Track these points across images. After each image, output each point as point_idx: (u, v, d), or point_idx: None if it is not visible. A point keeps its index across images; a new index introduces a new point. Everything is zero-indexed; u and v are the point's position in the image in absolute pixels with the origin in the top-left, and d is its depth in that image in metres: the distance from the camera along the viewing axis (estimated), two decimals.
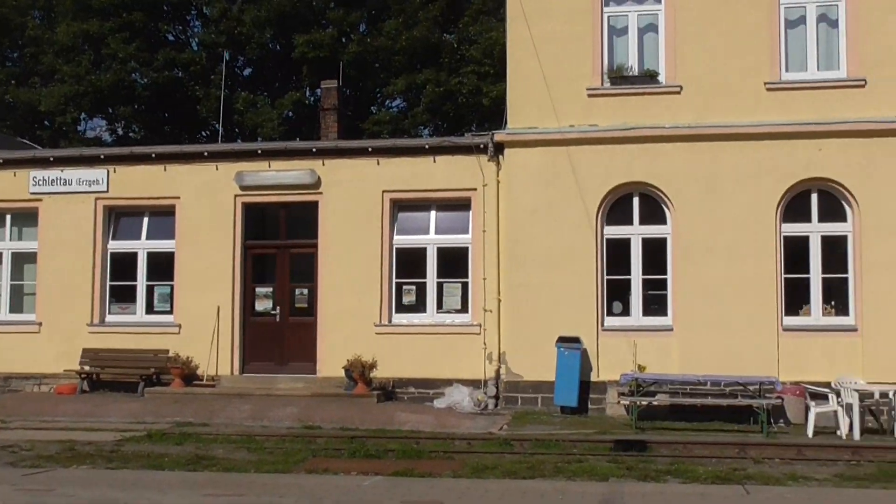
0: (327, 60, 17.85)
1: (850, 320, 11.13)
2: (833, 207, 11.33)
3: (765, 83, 11.28)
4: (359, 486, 6.50)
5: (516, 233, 11.40)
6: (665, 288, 11.41)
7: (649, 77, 11.48)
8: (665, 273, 11.39)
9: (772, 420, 10.46)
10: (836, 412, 10.31)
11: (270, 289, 11.84)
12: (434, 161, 11.58)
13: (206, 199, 11.71)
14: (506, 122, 11.74)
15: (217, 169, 11.74)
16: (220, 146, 13.01)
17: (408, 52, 18.23)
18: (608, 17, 11.64)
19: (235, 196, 11.79)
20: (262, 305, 11.86)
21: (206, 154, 11.89)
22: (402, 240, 11.85)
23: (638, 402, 10.40)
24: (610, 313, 11.50)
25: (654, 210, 11.53)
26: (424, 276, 11.68)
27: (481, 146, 11.55)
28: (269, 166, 11.75)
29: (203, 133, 21.22)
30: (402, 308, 11.77)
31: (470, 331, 11.54)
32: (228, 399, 11.08)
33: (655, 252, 11.48)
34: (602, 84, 11.49)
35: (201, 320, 11.59)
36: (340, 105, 13.31)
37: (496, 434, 9.81)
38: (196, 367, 11.43)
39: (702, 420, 10.74)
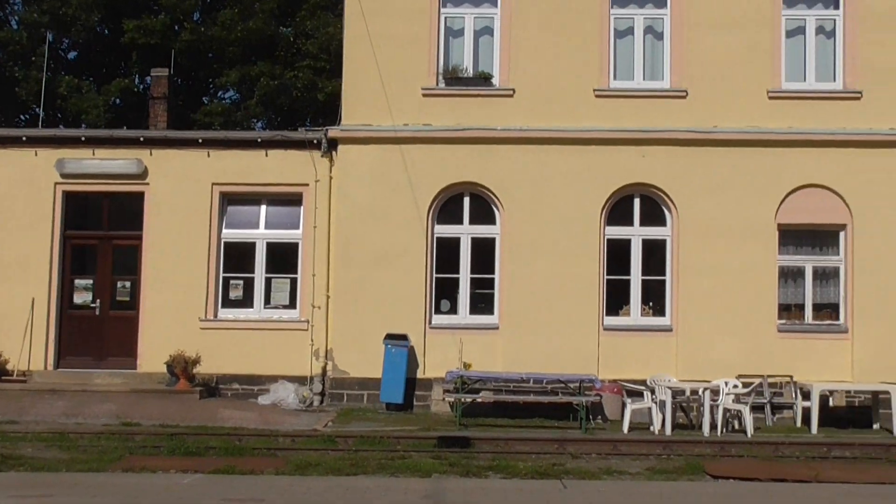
0: (158, 48, 17.78)
1: (667, 321, 11.88)
2: (654, 212, 12.10)
3: (594, 90, 11.96)
4: (177, 484, 6.48)
5: (347, 230, 11.68)
6: (493, 287, 11.85)
7: (483, 79, 11.98)
8: (493, 272, 11.84)
9: (590, 416, 11.08)
10: (650, 409, 10.99)
11: (90, 281, 11.74)
12: (266, 155, 11.78)
13: (22, 187, 11.57)
14: (340, 119, 12.05)
15: (36, 155, 11.60)
16: (40, 131, 12.82)
17: (243, 43, 18.40)
18: (445, 18, 12.12)
19: (56, 184, 11.68)
20: (80, 298, 11.76)
21: (24, 139, 11.74)
22: (231, 234, 11.99)
23: (462, 399, 10.82)
24: (438, 311, 11.94)
25: (484, 210, 12.04)
26: (253, 272, 11.78)
27: (315, 141, 11.81)
28: (94, 154, 11.70)
29: (22, 117, 20.68)
30: (228, 303, 11.89)
31: (297, 327, 11.75)
32: (40, 395, 10.93)
33: (484, 251, 11.99)
34: (437, 84, 11.95)
35: (14, 313, 11.38)
36: (171, 94, 13.37)
37: (321, 431, 10.05)
38: (6, 361, 11.20)
39: (524, 417, 11.31)
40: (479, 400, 11.32)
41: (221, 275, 11.85)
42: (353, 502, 5.87)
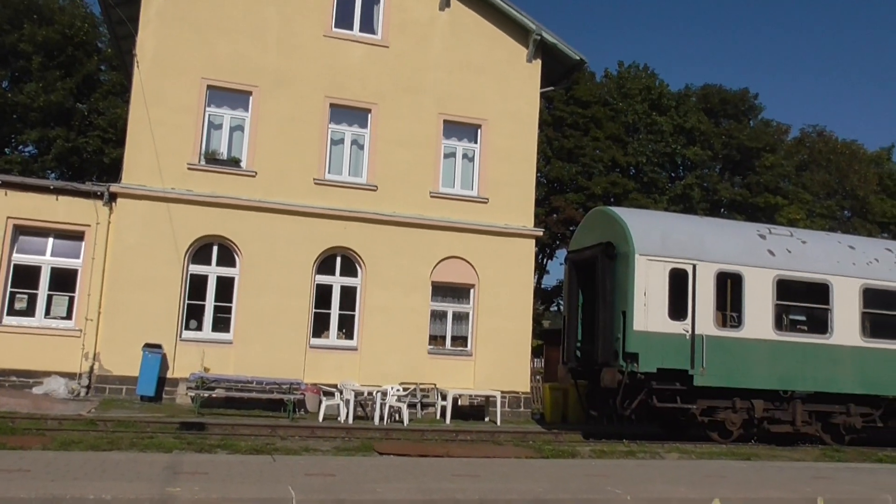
0: None
1: (354, 343, 18.34)
2: (350, 267, 18.65)
3: (314, 179, 18.33)
4: None
5: (119, 262, 16.67)
6: (230, 312, 17.37)
7: (234, 162, 17.89)
8: (231, 302, 17.37)
9: (296, 410, 16.67)
10: (339, 405, 16.79)
11: None
12: (57, 199, 16.37)
13: None
14: (121, 178, 17.05)
15: None
16: None
17: (44, 111, 22.80)
18: (209, 114, 17.83)
19: None
20: None
21: None
22: (22, 258, 16.22)
23: (201, 394, 15.93)
24: (188, 328, 17.16)
25: (228, 256, 17.71)
26: (37, 288, 16.12)
27: (98, 193, 16.76)
28: None
29: None
30: (14, 312, 15.98)
31: (72, 334, 16.39)
32: None
33: (226, 286, 17.52)
34: (199, 162, 17.55)
35: None
36: None
37: (84, 416, 13.17)
38: None
39: (248, 409, 16.55)
40: (214, 395, 16.51)
41: (9, 289, 16.00)
42: (107, 471, 6.68)
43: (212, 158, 17.83)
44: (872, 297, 15.27)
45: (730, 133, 40.62)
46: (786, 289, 14.87)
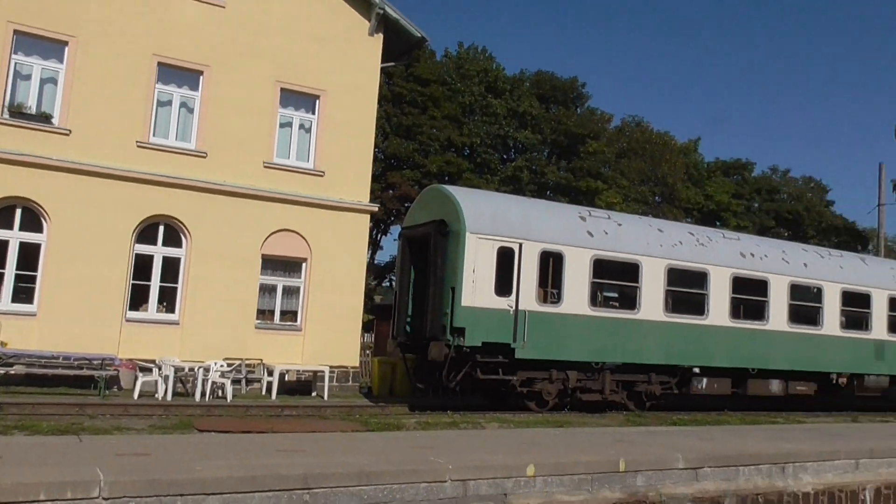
0: None
1: (175, 317, 17.46)
2: (174, 236, 17.65)
3: (137, 141, 17.12)
4: None
5: None
6: (35, 282, 15.93)
7: (44, 118, 16.35)
8: (36, 270, 15.94)
9: (109, 387, 15.63)
10: (157, 381, 15.98)
11: None
12: None
13: None
14: None
15: None
16: None
17: None
18: (15, 63, 16.11)
19: None
20: None
21: None
22: None
23: None
24: None
25: (34, 220, 16.14)
26: None
27: None
28: None
29: None
30: None
31: None
32: None
33: (31, 252, 16.03)
34: (1, 115, 15.75)
35: None
36: None
37: None
38: None
39: (54, 386, 15.35)
40: (13, 372, 15.14)
41: None
42: None
43: (17, 112, 16.15)
44: (675, 276, 16.77)
45: (559, 119, 42.77)
46: (601, 268, 15.97)
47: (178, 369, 16.43)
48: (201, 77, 18.18)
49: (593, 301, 15.88)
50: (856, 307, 19.70)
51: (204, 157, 18.05)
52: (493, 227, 14.85)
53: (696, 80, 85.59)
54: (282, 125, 19.33)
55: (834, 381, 19.37)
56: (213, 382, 16.41)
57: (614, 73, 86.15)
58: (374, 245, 39.22)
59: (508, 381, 15.05)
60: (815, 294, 18.96)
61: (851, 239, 53.81)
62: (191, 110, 18.24)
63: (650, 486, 8.48)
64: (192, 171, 17.82)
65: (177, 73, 18.05)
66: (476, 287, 14.38)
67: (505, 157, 43.23)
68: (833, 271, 19.54)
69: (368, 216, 20.53)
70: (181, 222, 17.69)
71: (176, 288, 17.71)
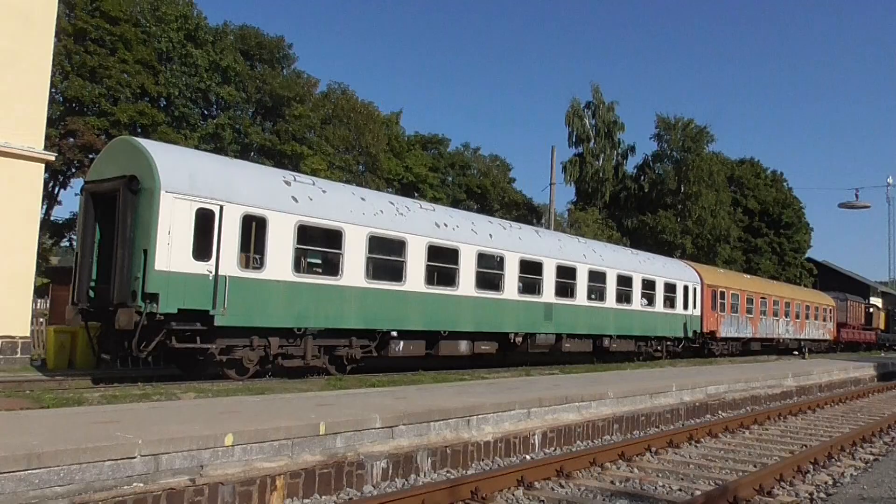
0: None
1: None
2: None
3: None
4: None
5: None
6: None
7: None
8: None
9: None
10: None
11: None
12: None
13: None
14: None
15: None
16: None
17: None
18: None
19: None
20: None
21: None
22: None
23: None
24: None
25: None
26: None
27: None
28: None
29: None
30: None
31: None
32: None
33: None
34: None
35: None
36: None
37: None
38: None
39: None
40: None
41: None
42: None
43: None
44: (376, 243, 17.42)
45: (264, 78, 41.62)
46: (305, 234, 15.99)
47: None
48: None
49: (297, 267, 15.86)
50: (530, 274, 22.27)
51: None
52: (192, 186, 14.04)
53: (401, 55, 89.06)
54: None
55: (511, 340, 21.72)
56: None
57: (322, 38, 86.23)
58: (51, 199, 35.00)
59: (207, 349, 14.47)
60: (499, 262, 21.04)
61: (528, 213, 60.64)
62: None
63: (349, 447, 8.80)
64: None
65: None
66: (172, 250, 13.51)
67: (206, 112, 41.05)
68: (513, 242, 21.83)
69: (42, 165, 18.13)
70: None
71: None
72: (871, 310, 62.88)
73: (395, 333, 17.94)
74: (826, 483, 9.63)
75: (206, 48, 38.72)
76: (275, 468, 7.73)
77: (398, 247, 18.00)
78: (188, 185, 13.98)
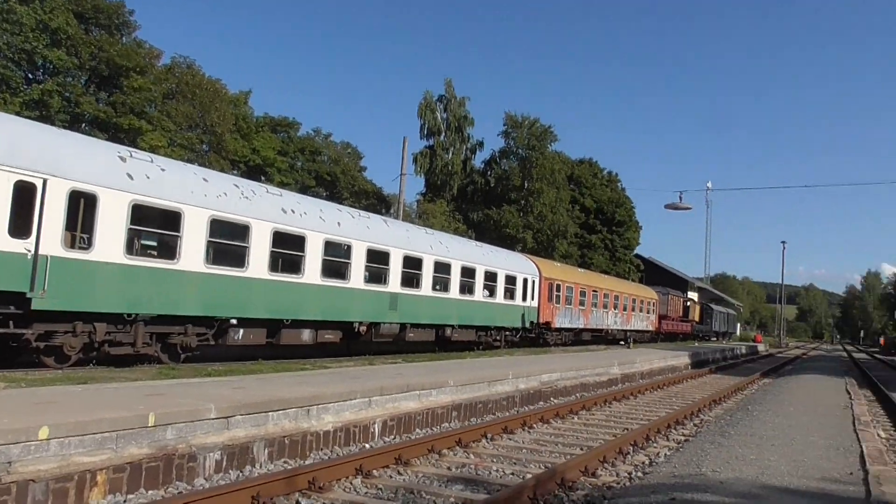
0: None
1: None
2: None
3: None
4: None
5: None
6: None
7: None
8: None
9: None
10: None
11: None
12: None
13: None
14: None
15: None
16: None
17: None
18: None
19: None
20: None
21: None
22: None
23: None
24: None
25: None
26: None
27: None
28: None
29: None
30: None
31: None
32: None
33: None
34: None
35: None
36: None
37: None
38: None
39: None
40: None
41: None
42: None
43: None
44: (218, 227, 16.70)
45: (100, 45, 38.68)
46: (141, 213, 15.03)
47: None
48: None
49: (130, 249, 14.90)
50: (377, 263, 22.27)
51: None
52: (10, 156, 12.79)
53: (252, 33, 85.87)
54: None
55: (356, 330, 21.63)
56: None
57: (167, 8, 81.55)
58: None
59: (21, 335, 13.27)
60: (346, 251, 20.85)
61: (378, 203, 60.67)
62: None
63: (181, 439, 8.41)
64: None
65: None
66: None
67: (31, 77, 37.58)
68: (361, 231, 21.72)
69: None
70: None
71: None
72: (689, 303, 68.49)
73: (234, 321, 17.34)
74: (643, 463, 10.38)
75: (34, 5, 35.40)
76: (96, 463, 7.23)
77: (242, 231, 17.38)
78: (6, 154, 12.72)
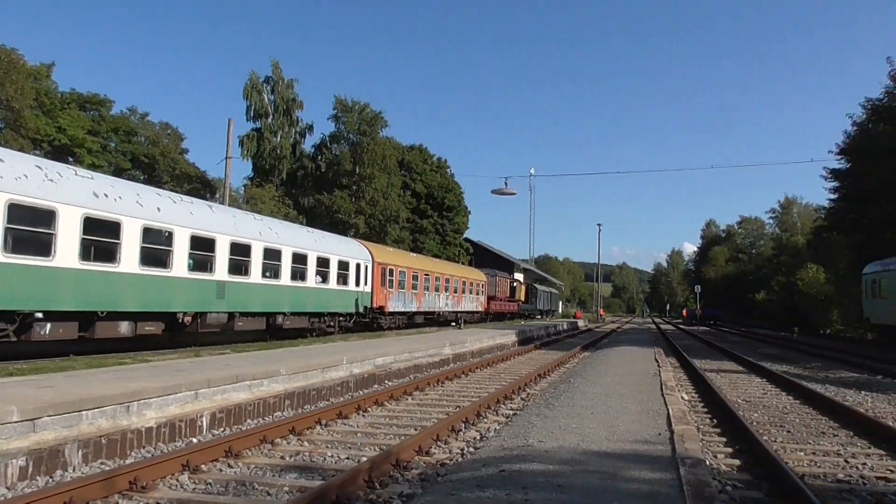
0: None
1: None
2: None
3: None
4: None
5: None
6: None
7: None
8: None
9: None
10: None
11: None
12: None
13: None
14: None
15: None
16: None
17: None
18: None
19: None
20: None
21: None
22: None
23: None
24: None
25: None
26: None
27: None
28: None
29: None
30: None
31: None
32: None
33: None
34: None
35: None
36: None
37: None
38: None
39: None
40: None
41: None
42: None
43: None
44: (17, 213, 15.16)
45: None
46: None
47: None
48: None
49: None
50: (203, 251, 21.25)
51: None
52: None
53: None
54: None
55: (180, 320, 20.54)
56: None
57: None
58: None
59: None
60: (167, 238, 19.70)
61: (202, 187, 57.85)
62: None
63: None
64: None
65: None
66: None
67: None
68: (184, 217, 20.61)
69: None
70: None
71: None
72: (515, 284, 71.63)
73: (40, 314, 15.87)
74: (475, 438, 10.73)
75: None
76: None
77: (47, 217, 15.89)
78: None
